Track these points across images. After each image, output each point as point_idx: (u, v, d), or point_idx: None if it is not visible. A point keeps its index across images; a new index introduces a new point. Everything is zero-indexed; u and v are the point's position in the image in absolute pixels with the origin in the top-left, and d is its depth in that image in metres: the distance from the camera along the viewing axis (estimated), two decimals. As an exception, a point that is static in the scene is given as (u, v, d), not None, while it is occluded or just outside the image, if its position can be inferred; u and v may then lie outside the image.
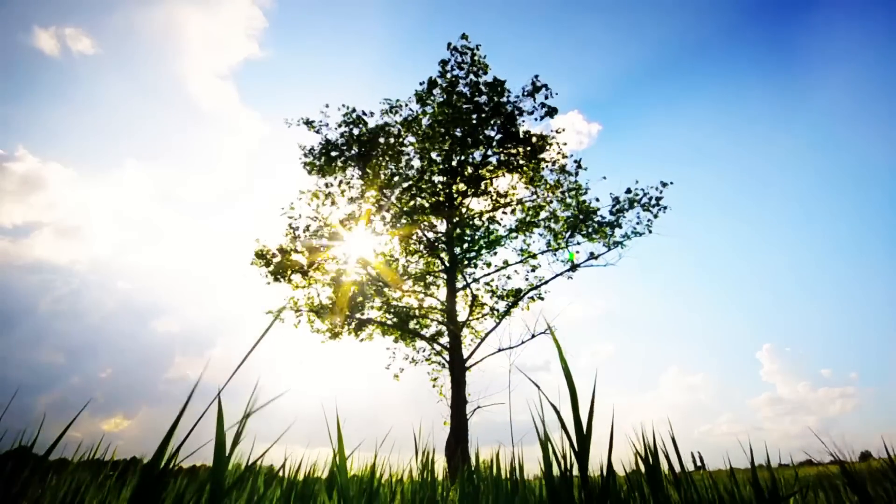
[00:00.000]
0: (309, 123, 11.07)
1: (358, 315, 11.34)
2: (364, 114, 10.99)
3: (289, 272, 10.70)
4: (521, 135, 10.71)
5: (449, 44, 10.33)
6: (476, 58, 10.38)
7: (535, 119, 10.72)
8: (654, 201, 10.38)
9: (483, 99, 10.51)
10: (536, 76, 10.45)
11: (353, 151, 10.87)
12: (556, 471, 1.44)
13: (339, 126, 11.02)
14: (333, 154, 10.92)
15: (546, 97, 10.49)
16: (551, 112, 10.54)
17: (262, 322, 11.50)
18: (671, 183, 10.45)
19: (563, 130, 11.10)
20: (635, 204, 10.43)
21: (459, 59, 10.41)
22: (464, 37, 10.27)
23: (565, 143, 11.12)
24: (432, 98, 10.81)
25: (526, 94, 10.50)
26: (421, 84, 10.88)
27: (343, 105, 10.97)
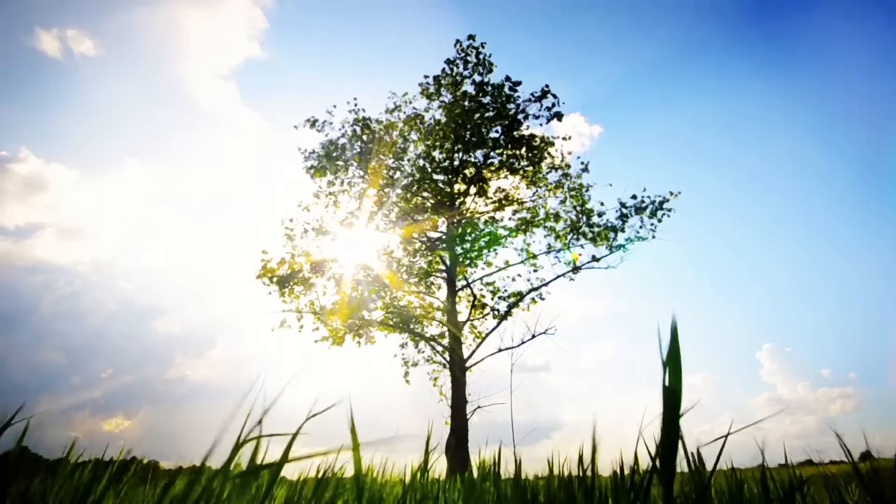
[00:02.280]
0: (313, 123, 11.09)
1: (359, 316, 11.33)
2: (368, 119, 11.03)
3: (292, 283, 10.66)
4: (525, 137, 10.73)
5: (457, 41, 10.32)
6: (481, 57, 10.39)
7: (541, 124, 10.74)
8: (658, 206, 10.37)
9: (488, 99, 10.54)
10: (546, 85, 10.44)
11: (355, 150, 10.88)
12: (562, 472, 1.43)
13: (343, 126, 11.03)
14: (335, 154, 10.93)
15: (553, 104, 10.48)
16: (557, 116, 10.54)
17: (262, 323, 11.47)
18: (679, 193, 10.45)
19: (570, 138, 11.10)
20: (641, 211, 10.42)
21: (466, 58, 10.42)
22: (471, 37, 10.28)
23: (570, 152, 11.20)
24: (439, 95, 10.82)
25: (533, 99, 10.50)
26: (426, 77, 10.86)
27: (353, 100, 10.98)
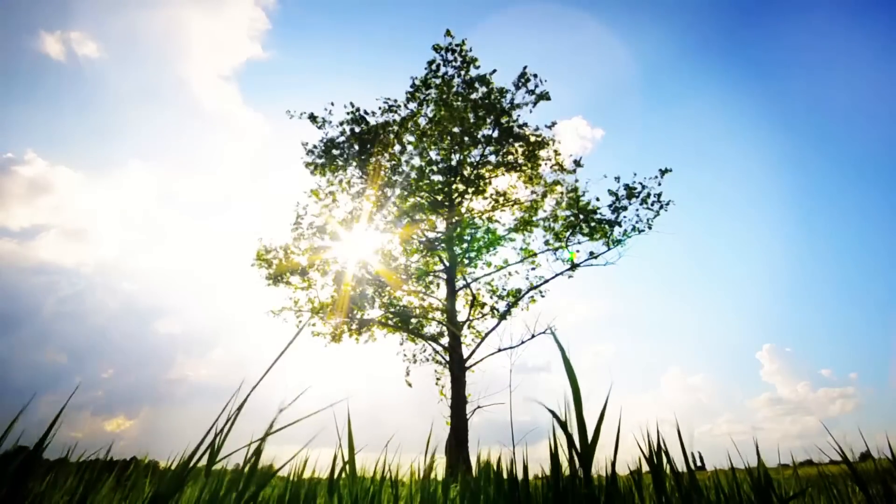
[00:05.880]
0: (313, 118, 10.96)
1: (359, 315, 11.30)
2: (366, 113, 10.90)
3: (287, 275, 10.62)
4: (518, 129, 10.73)
5: (436, 45, 10.32)
6: (465, 54, 10.41)
7: (530, 110, 10.79)
8: (654, 196, 10.16)
9: (478, 95, 10.55)
10: (525, 67, 10.48)
11: (353, 149, 10.83)
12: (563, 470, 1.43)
13: (342, 124, 10.96)
14: (335, 152, 10.88)
15: (536, 85, 10.53)
16: (543, 97, 10.58)
17: (263, 323, 11.44)
18: (670, 170, 10.09)
19: (556, 123, 11.11)
20: (633, 198, 10.19)
21: (449, 58, 10.42)
22: (448, 34, 10.23)
23: (560, 140, 11.19)
24: (429, 97, 10.80)
25: (516, 87, 10.55)
26: (413, 87, 10.82)
27: (349, 104, 10.91)
